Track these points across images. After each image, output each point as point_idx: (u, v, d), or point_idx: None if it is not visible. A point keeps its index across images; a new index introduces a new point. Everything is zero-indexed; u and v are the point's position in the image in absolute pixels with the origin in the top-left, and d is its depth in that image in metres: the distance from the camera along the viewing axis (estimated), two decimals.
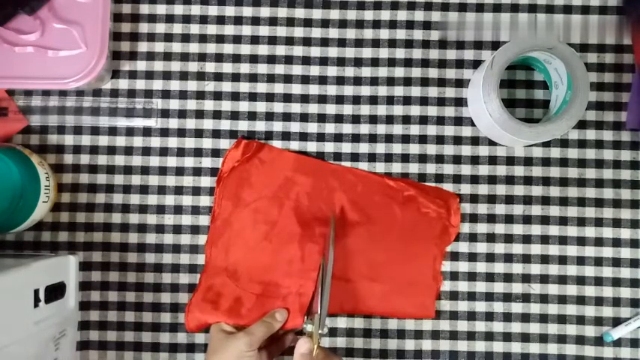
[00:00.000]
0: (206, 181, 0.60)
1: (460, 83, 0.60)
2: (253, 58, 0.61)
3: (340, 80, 0.60)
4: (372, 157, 0.60)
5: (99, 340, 0.59)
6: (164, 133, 0.60)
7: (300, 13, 0.61)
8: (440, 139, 0.60)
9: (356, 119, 0.60)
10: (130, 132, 0.60)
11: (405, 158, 0.60)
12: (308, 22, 0.61)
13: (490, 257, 0.59)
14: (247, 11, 0.61)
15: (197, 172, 0.60)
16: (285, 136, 0.60)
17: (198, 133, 0.60)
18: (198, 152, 0.60)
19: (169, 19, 0.61)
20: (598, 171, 0.60)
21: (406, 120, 0.60)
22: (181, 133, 0.60)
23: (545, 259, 0.59)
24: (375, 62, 0.60)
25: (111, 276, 0.59)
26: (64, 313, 0.55)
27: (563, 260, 0.59)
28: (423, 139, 0.60)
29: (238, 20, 0.61)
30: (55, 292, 0.53)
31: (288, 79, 0.60)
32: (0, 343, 0.45)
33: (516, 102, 0.60)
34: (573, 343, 0.59)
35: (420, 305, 0.58)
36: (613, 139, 0.60)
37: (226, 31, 0.61)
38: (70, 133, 0.60)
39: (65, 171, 0.60)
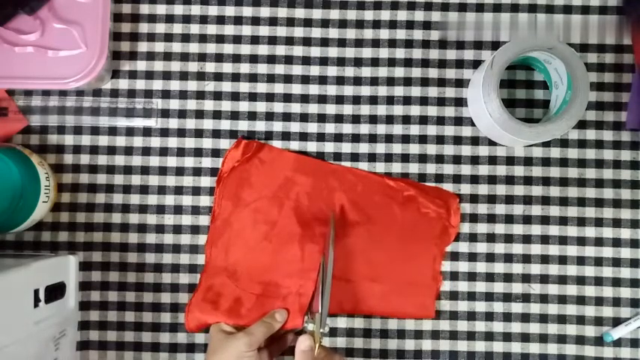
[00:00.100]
0: (206, 181, 0.60)
1: (460, 83, 0.60)
2: (253, 58, 0.61)
3: (340, 80, 0.60)
4: (372, 157, 0.60)
5: (99, 340, 0.59)
6: (164, 133, 0.60)
7: (300, 13, 0.61)
8: (440, 139, 0.60)
9: (356, 119, 0.60)
10: (130, 132, 0.60)
11: (405, 158, 0.60)
12: (308, 22, 0.61)
13: (490, 257, 0.59)
14: (247, 11, 0.61)
15: (197, 172, 0.60)
16: (285, 136, 0.60)
17: (198, 133, 0.60)
18: (198, 152, 0.60)
19: (169, 19, 0.61)
20: (598, 171, 0.60)
21: (406, 120, 0.60)
22: (181, 133, 0.60)
23: (545, 259, 0.59)
24: (375, 62, 0.60)
25: (111, 276, 0.59)
26: (64, 313, 0.55)
27: (563, 260, 0.59)
28: (423, 139, 0.60)
29: (238, 20, 0.61)
30: (55, 292, 0.53)
31: (288, 79, 0.60)
32: (0, 343, 0.45)
33: (516, 102, 0.60)
34: (573, 343, 0.59)
35: (420, 305, 0.58)
36: (613, 139, 0.60)
37: (226, 31, 0.61)
38: (70, 133, 0.60)
39: (65, 171, 0.60)
